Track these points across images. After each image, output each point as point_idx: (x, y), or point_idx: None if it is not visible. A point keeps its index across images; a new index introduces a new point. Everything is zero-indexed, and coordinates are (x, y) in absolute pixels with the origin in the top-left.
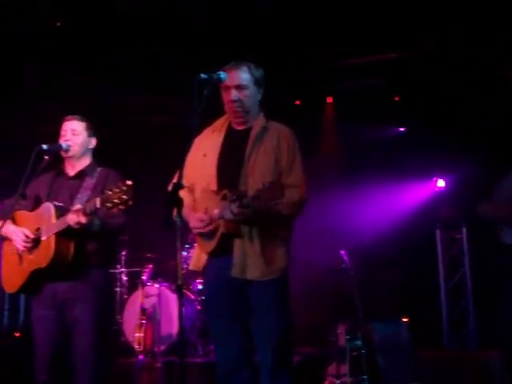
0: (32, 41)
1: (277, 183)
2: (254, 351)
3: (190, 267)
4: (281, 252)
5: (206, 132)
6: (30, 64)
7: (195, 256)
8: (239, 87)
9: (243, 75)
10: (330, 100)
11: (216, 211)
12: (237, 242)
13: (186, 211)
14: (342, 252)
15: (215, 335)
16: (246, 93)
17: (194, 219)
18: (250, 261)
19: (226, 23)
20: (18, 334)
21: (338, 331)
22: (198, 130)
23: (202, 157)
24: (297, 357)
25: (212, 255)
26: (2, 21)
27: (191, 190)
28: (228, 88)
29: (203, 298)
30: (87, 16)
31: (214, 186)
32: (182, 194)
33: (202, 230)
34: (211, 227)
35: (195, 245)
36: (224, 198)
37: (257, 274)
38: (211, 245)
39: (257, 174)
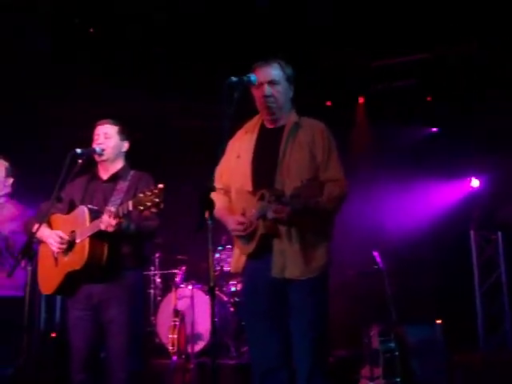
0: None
1: (315, 181)
2: (291, 352)
3: (231, 270)
4: (321, 250)
5: (239, 134)
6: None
7: (234, 258)
8: (271, 83)
9: (275, 71)
10: (361, 100)
11: (254, 212)
12: (276, 242)
13: (222, 213)
14: (375, 253)
15: (252, 336)
16: (278, 88)
17: (233, 222)
18: (289, 260)
19: (257, 24)
20: (54, 335)
21: (371, 333)
22: (230, 133)
23: (236, 158)
24: (330, 359)
25: (251, 257)
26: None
27: (227, 192)
28: (261, 85)
29: (242, 298)
30: (118, 21)
31: (249, 187)
32: (218, 196)
33: (241, 233)
34: (250, 229)
35: (228, 247)
36: (261, 198)
37: (296, 273)
38: (251, 247)
39: (293, 172)
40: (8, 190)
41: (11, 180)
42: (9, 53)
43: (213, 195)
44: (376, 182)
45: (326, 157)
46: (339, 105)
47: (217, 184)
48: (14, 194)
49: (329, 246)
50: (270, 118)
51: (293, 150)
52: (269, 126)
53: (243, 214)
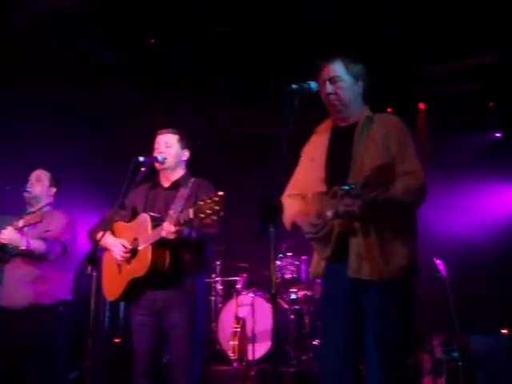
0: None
1: (384, 167)
2: (361, 359)
3: (310, 275)
4: (401, 249)
5: (312, 138)
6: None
7: (314, 263)
8: (332, 79)
9: (336, 67)
10: (422, 106)
11: (328, 212)
12: (352, 241)
13: (297, 218)
14: (437, 261)
15: (325, 336)
16: (340, 85)
17: (306, 224)
18: (366, 259)
19: (318, 32)
20: (117, 340)
21: (434, 342)
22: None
23: (310, 162)
24: None
25: (331, 259)
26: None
27: (304, 198)
28: (323, 82)
29: (319, 303)
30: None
31: (322, 188)
32: (294, 202)
33: (315, 236)
34: (325, 231)
35: (288, 254)
36: (334, 196)
37: (372, 274)
38: (328, 249)
39: (366, 169)
40: (51, 199)
41: (54, 189)
42: (69, 62)
43: (288, 201)
44: (437, 188)
45: (402, 150)
46: (400, 111)
47: (293, 190)
48: (61, 204)
49: (412, 245)
50: (337, 116)
51: (366, 146)
52: (340, 124)
53: (317, 216)
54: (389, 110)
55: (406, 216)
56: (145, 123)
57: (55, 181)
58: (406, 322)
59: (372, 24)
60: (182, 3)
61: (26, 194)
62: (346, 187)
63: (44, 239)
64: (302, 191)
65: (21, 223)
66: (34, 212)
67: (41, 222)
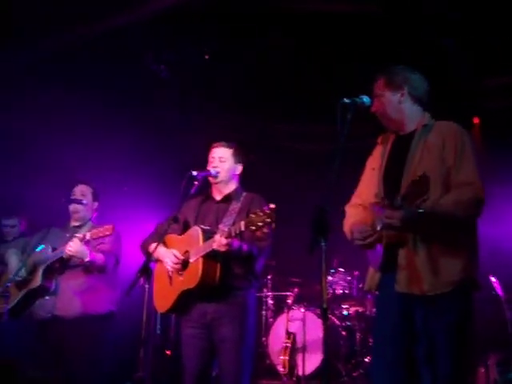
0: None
1: (422, 177)
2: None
3: (365, 288)
4: (455, 261)
5: (375, 148)
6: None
7: (369, 276)
8: (375, 96)
9: (378, 84)
10: (476, 121)
11: (378, 223)
12: (401, 252)
13: (353, 227)
14: (493, 278)
15: (376, 352)
16: (381, 100)
17: (356, 231)
18: (415, 272)
19: (374, 45)
20: (168, 352)
21: (489, 362)
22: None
23: (372, 171)
24: None
25: (382, 271)
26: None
27: (365, 208)
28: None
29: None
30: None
31: (380, 198)
32: (355, 211)
33: (361, 242)
34: (371, 239)
35: (340, 269)
36: (383, 206)
37: (423, 288)
38: (379, 259)
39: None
40: (94, 213)
41: (96, 204)
42: (128, 76)
43: (349, 210)
44: (494, 203)
45: (458, 159)
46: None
47: (356, 200)
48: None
49: (468, 259)
50: (390, 125)
51: (421, 155)
52: (400, 132)
53: (369, 226)
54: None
55: (461, 229)
56: (198, 137)
57: (97, 195)
58: (460, 339)
59: (429, 34)
60: (231, 19)
61: (77, 207)
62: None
63: (101, 252)
64: (364, 201)
65: (88, 235)
66: (79, 226)
67: (109, 235)
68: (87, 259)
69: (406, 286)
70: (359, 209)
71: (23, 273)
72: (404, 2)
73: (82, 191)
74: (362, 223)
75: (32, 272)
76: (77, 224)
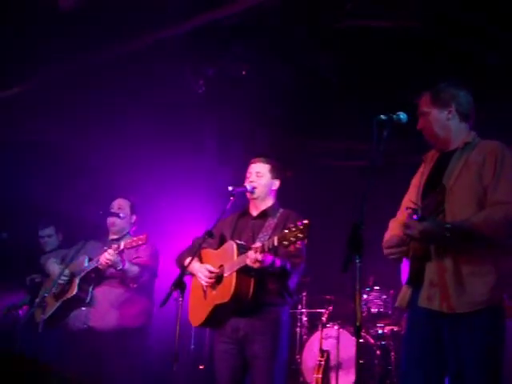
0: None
1: (440, 188)
2: None
3: (397, 304)
4: (481, 282)
5: (421, 166)
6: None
7: (402, 292)
8: (421, 114)
9: (423, 101)
10: None
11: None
12: (427, 267)
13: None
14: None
15: (404, 371)
16: (426, 118)
17: (387, 242)
18: (438, 288)
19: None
20: (202, 367)
21: None
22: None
23: (414, 188)
24: None
25: (410, 285)
26: None
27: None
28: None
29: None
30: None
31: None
32: (393, 225)
33: (389, 252)
34: (399, 249)
35: (375, 288)
36: (409, 217)
37: (443, 305)
38: (407, 273)
39: (456, 191)
40: (132, 227)
41: (134, 217)
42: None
43: (391, 224)
44: None
45: (496, 177)
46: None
47: (399, 215)
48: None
49: (492, 279)
50: (433, 146)
51: (460, 172)
52: (444, 150)
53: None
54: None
55: (491, 248)
56: (236, 153)
57: (135, 209)
58: (488, 361)
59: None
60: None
61: (115, 220)
62: (415, 210)
63: (136, 265)
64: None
65: (122, 245)
66: (117, 239)
67: (144, 244)
68: (120, 267)
69: (429, 301)
70: (396, 223)
71: (61, 282)
72: (443, 16)
73: (119, 204)
74: (395, 237)
75: (69, 282)
76: (115, 237)
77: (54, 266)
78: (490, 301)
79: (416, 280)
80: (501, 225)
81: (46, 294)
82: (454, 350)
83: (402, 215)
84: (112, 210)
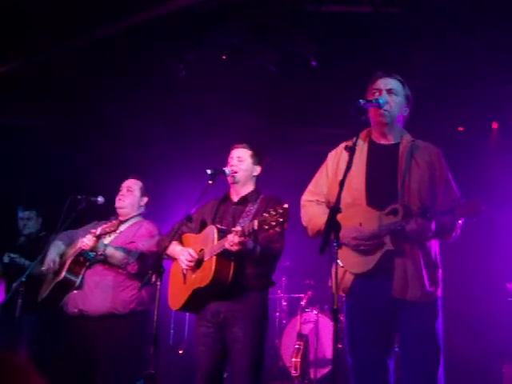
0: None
1: (469, 199)
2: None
3: (334, 290)
4: (437, 272)
5: (339, 148)
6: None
7: (342, 278)
8: (390, 91)
9: (395, 82)
10: (495, 126)
11: (381, 226)
12: (398, 260)
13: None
14: (510, 285)
15: (356, 362)
16: (395, 99)
17: (352, 231)
18: (411, 280)
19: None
20: (181, 352)
21: (504, 371)
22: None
23: (338, 171)
24: None
25: (365, 275)
26: None
27: (327, 205)
28: (378, 91)
29: (346, 322)
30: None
31: (362, 201)
32: (318, 209)
33: (365, 245)
34: (371, 242)
35: None
36: (392, 213)
37: (418, 295)
38: (369, 264)
39: (413, 191)
40: (142, 209)
41: (146, 199)
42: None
43: (313, 207)
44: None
45: (444, 183)
46: (472, 131)
47: (316, 196)
48: (150, 213)
49: (441, 270)
50: (378, 129)
51: (412, 168)
52: (381, 141)
53: (360, 229)
54: (460, 128)
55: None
56: (219, 139)
57: (147, 190)
58: (439, 342)
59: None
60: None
61: (121, 202)
62: (424, 208)
63: (123, 250)
64: (327, 199)
65: (98, 231)
66: (124, 221)
67: (114, 231)
68: (99, 252)
69: (403, 292)
70: (322, 206)
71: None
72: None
73: (128, 186)
74: (362, 228)
75: (63, 265)
76: (122, 219)
77: (52, 249)
78: (439, 291)
79: (378, 270)
80: (458, 225)
81: (22, 279)
82: (412, 336)
83: (319, 196)
84: (120, 193)
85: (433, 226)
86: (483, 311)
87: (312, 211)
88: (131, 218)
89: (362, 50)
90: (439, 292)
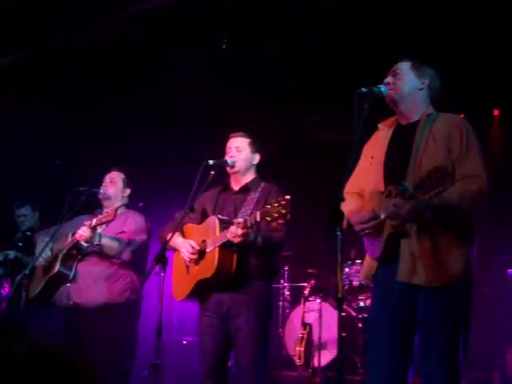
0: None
1: (439, 168)
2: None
3: (360, 279)
4: (458, 254)
5: (374, 135)
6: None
7: (365, 266)
8: (394, 72)
9: (402, 65)
10: (496, 113)
11: (382, 212)
12: (404, 243)
13: (351, 216)
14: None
15: (371, 353)
16: (399, 77)
17: (357, 221)
18: (418, 263)
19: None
20: (185, 342)
21: (507, 357)
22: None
23: (371, 159)
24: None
25: (381, 261)
26: None
27: (361, 196)
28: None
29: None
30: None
31: (380, 186)
32: (351, 199)
33: (364, 233)
34: (373, 224)
35: (357, 261)
36: (389, 195)
37: (425, 279)
38: (379, 249)
39: (425, 167)
40: (125, 200)
41: (128, 191)
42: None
43: (346, 199)
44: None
45: (464, 151)
46: (473, 118)
47: (352, 188)
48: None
49: (467, 252)
50: (398, 110)
51: (426, 144)
52: (403, 122)
53: (371, 214)
54: (461, 115)
55: (461, 221)
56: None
57: (129, 181)
58: (457, 333)
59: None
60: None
61: (99, 196)
62: (402, 188)
63: (117, 240)
64: (361, 189)
65: (94, 222)
66: (107, 212)
67: (113, 220)
68: (96, 243)
69: (409, 276)
70: (355, 197)
71: (41, 260)
72: None
73: (111, 178)
74: (360, 212)
75: (54, 259)
76: (106, 211)
77: (40, 245)
78: (463, 275)
79: (389, 255)
80: (474, 198)
81: (26, 272)
82: (426, 322)
83: (354, 188)
84: (102, 184)
85: (410, 205)
86: (488, 295)
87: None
88: (115, 209)
89: (366, 37)
90: (459, 275)
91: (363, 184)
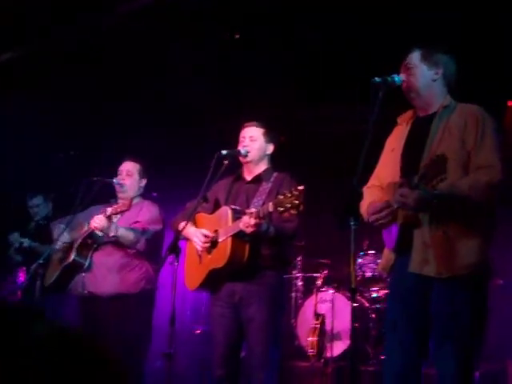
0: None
1: (442, 157)
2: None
3: (378, 269)
4: (469, 246)
5: (395, 129)
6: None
7: (384, 257)
8: (405, 67)
9: (412, 56)
10: (510, 103)
11: (394, 202)
12: (416, 233)
13: (369, 207)
14: None
15: (388, 336)
16: (411, 72)
17: (371, 208)
18: (430, 252)
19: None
20: (198, 331)
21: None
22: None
23: (391, 152)
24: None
25: (397, 252)
26: None
27: (382, 189)
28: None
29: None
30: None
31: (397, 178)
32: (371, 191)
33: (379, 217)
34: (384, 213)
35: (370, 252)
36: (401, 186)
37: (436, 270)
38: (393, 239)
39: None
40: (141, 190)
41: (144, 181)
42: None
43: (367, 192)
44: None
45: (479, 141)
46: (486, 109)
47: (374, 181)
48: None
49: (482, 243)
50: (413, 104)
51: (442, 136)
52: (421, 114)
53: (385, 205)
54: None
55: (475, 211)
56: (228, 120)
57: (145, 172)
58: (476, 326)
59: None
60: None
61: (116, 186)
62: (410, 178)
63: (132, 230)
64: (382, 182)
65: (109, 211)
66: (122, 202)
67: (128, 210)
68: (112, 234)
69: (420, 267)
70: (376, 189)
71: (58, 248)
72: None
73: (127, 168)
74: (378, 202)
75: (70, 248)
76: (122, 201)
77: (59, 230)
78: (477, 267)
79: (404, 246)
80: (486, 189)
81: (40, 261)
82: (439, 314)
83: (376, 181)
84: (118, 175)
85: (416, 195)
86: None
87: (364, 196)
88: (131, 199)
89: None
90: (474, 266)
91: (384, 177)
